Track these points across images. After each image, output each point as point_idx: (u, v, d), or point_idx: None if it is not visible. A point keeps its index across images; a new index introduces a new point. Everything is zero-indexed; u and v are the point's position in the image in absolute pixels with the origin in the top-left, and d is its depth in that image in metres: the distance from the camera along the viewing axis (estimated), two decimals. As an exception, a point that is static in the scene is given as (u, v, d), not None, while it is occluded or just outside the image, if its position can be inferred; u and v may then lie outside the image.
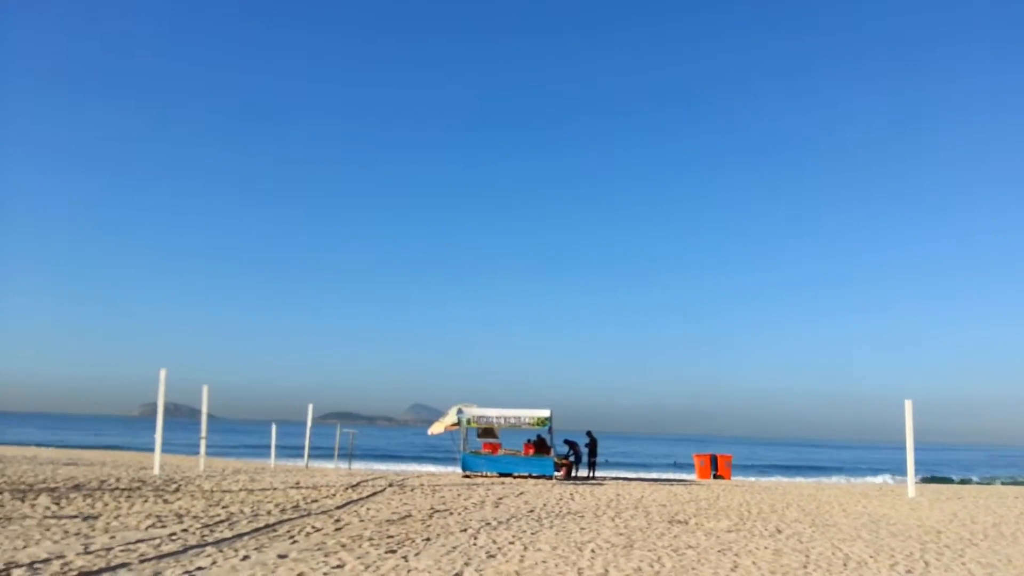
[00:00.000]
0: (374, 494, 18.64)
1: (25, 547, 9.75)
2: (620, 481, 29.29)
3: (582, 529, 13.28)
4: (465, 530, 12.64)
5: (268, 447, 37.25)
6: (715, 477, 34.62)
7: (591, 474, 30.47)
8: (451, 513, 15.02)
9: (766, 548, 11.84)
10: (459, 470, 28.04)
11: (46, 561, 8.87)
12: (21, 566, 8.55)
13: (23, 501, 14.60)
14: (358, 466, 38.33)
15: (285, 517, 13.62)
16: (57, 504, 14.30)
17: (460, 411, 27.81)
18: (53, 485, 17.93)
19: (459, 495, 18.97)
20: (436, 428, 29.33)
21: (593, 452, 30.74)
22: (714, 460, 35.27)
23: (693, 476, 36.21)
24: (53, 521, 12.14)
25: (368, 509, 15.36)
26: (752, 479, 41.02)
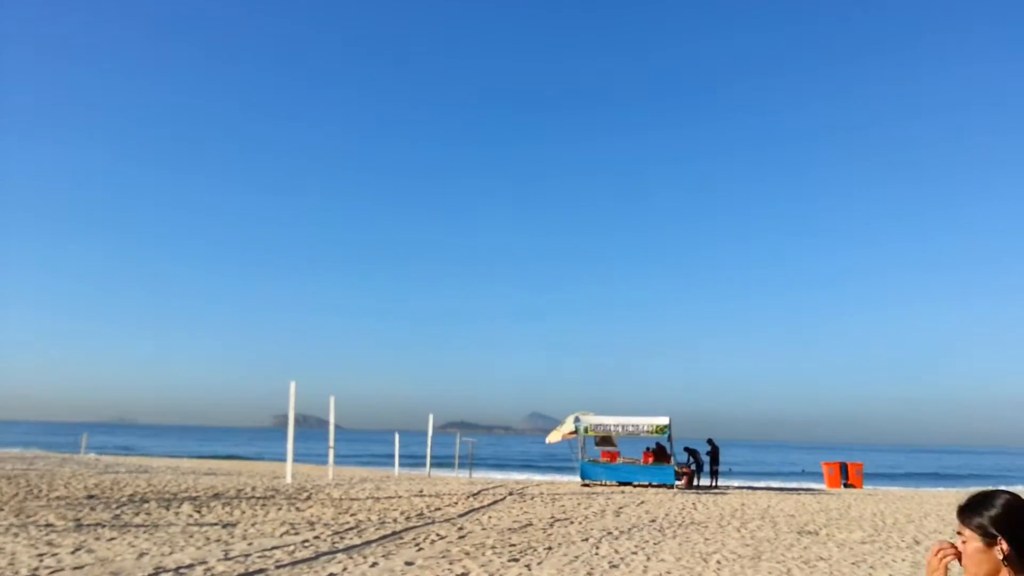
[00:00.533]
0: (495, 502, 18.83)
1: (171, 553, 10.36)
2: (744, 490, 28.52)
3: (706, 540, 13.02)
4: (586, 539, 12.60)
5: (391, 456, 38.20)
6: (845, 486, 33.20)
7: (714, 483, 29.81)
8: (572, 522, 15.01)
9: (903, 560, 11.28)
10: (578, 479, 27.96)
11: (190, 567, 9.40)
12: (168, 571, 9.09)
13: (168, 509, 15.51)
14: (478, 475, 38.80)
15: (410, 525, 13.94)
16: (199, 512, 15.13)
17: (577, 419, 27.74)
18: (195, 494, 18.95)
19: (579, 504, 18.93)
20: (554, 437, 29.35)
21: (715, 460, 30.07)
22: (844, 468, 33.83)
23: (822, 485, 34.84)
24: (196, 528, 12.85)
25: (490, 517, 15.53)
26: (885, 488, 39.11)
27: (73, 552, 10.17)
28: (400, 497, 19.67)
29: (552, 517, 15.82)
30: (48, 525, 12.62)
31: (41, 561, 9.47)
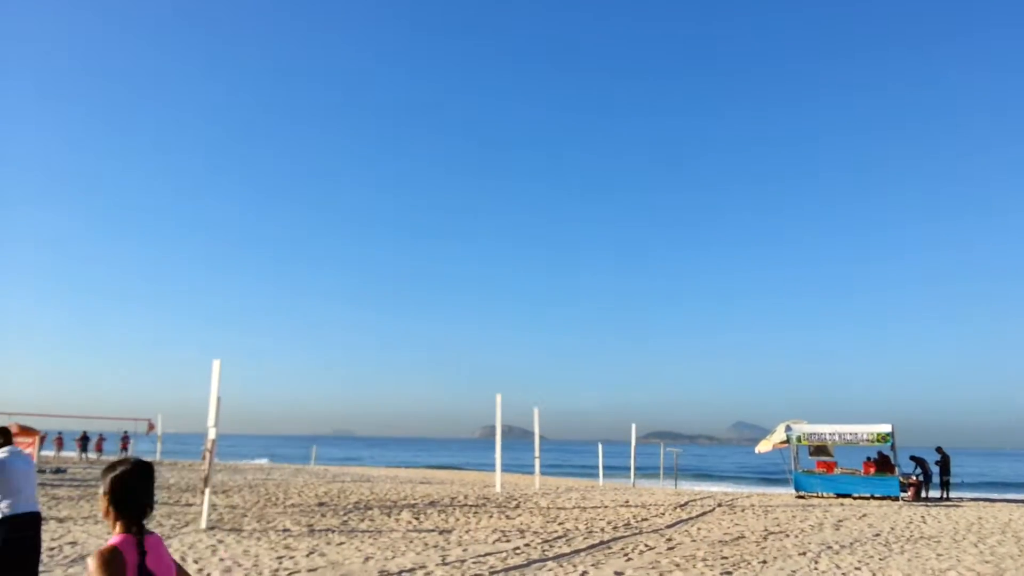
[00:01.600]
0: (703, 514, 18.40)
1: (393, 557, 10.97)
2: (980, 502, 26.04)
3: (939, 556, 12.02)
4: (804, 553, 12.02)
5: (595, 466, 38.31)
6: (1106, 499, 29.48)
7: (944, 494, 27.47)
8: (787, 535, 14.37)
9: None
10: (791, 490, 26.72)
11: (411, 571, 9.91)
12: (391, 574, 9.64)
13: (389, 516, 16.45)
14: (684, 485, 38.06)
15: (618, 535, 13.92)
16: (417, 519, 15.92)
17: (789, 428, 26.54)
18: (412, 501, 19.97)
19: (794, 516, 18.09)
20: (763, 446, 28.24)
21: (945, 470, 27.69)
22: (1102, 479, 30.05)
23: (1076, 498, 31.13)
24: (415, 534, 13.53)
25: (699, 529, 15.20)
26: None
27: (307, 555, 11.03)
28: (606, 507, 19.69)
29: (765, 530, 15.23)
30: (285, 530, 13.76)
31: (280, 563, 10.35)
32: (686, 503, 21.50)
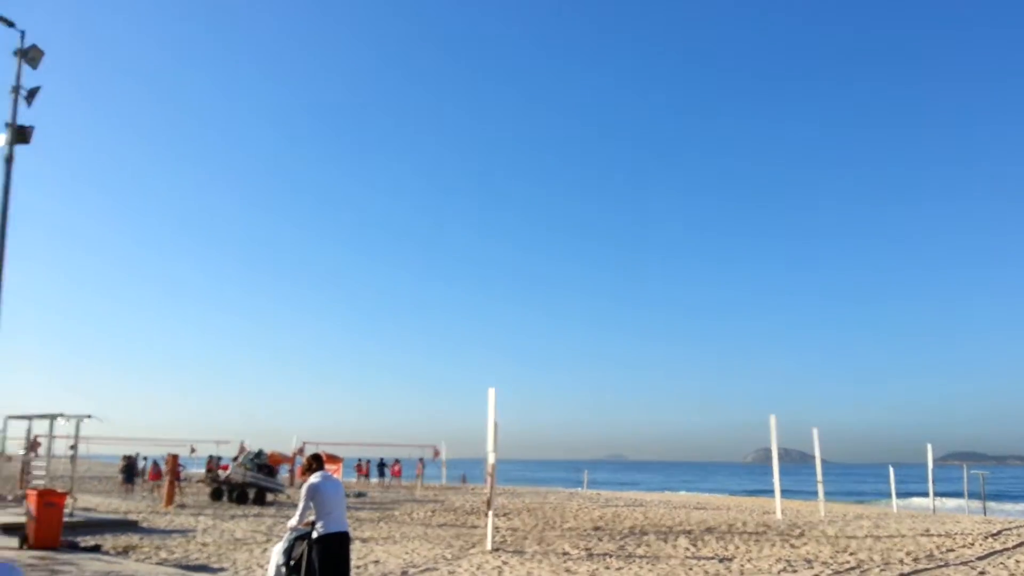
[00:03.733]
0: (1021, 544, 16.31)
1: (675, 583, 10.83)
2: None
3: None
4: None
5: (884, 491, 35.40)
6: None
7: None
8: None
9: None
10: None
11: (695, 598, 9.73)
12: (675, 601, 9.52)
13: (666, 542, 16.27)
14: (994, 512, 34.01)
15: (920, 567, 12.73)
16: (694, 546, 15.60)
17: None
18: (688, 528, 19.61)
19: None
20: (1092, 468, 24.55)
21: None
22: None
23: None
24: (693, 561, 13.27)
25: (1017, 562, 13.49)
26: None
27: (589, 579, 11.20)
28: (903, 536, 18.10)
29: (1104, 564, 13.18)
30: (565, 553, 14.08)
31: (564, 585, 10.59)
32: (999, 532, 19.18)
